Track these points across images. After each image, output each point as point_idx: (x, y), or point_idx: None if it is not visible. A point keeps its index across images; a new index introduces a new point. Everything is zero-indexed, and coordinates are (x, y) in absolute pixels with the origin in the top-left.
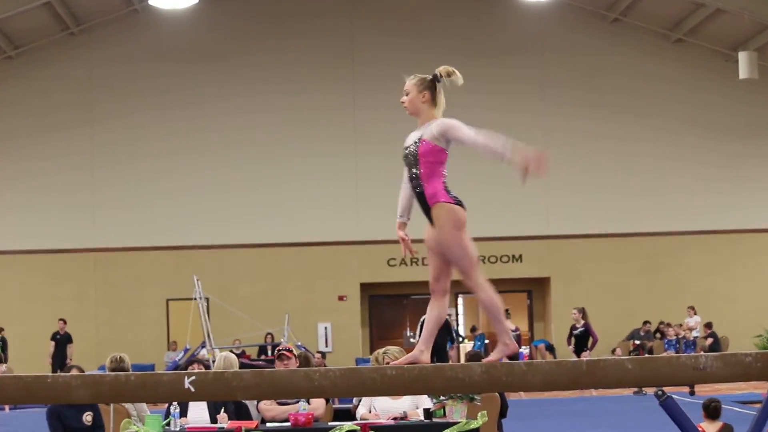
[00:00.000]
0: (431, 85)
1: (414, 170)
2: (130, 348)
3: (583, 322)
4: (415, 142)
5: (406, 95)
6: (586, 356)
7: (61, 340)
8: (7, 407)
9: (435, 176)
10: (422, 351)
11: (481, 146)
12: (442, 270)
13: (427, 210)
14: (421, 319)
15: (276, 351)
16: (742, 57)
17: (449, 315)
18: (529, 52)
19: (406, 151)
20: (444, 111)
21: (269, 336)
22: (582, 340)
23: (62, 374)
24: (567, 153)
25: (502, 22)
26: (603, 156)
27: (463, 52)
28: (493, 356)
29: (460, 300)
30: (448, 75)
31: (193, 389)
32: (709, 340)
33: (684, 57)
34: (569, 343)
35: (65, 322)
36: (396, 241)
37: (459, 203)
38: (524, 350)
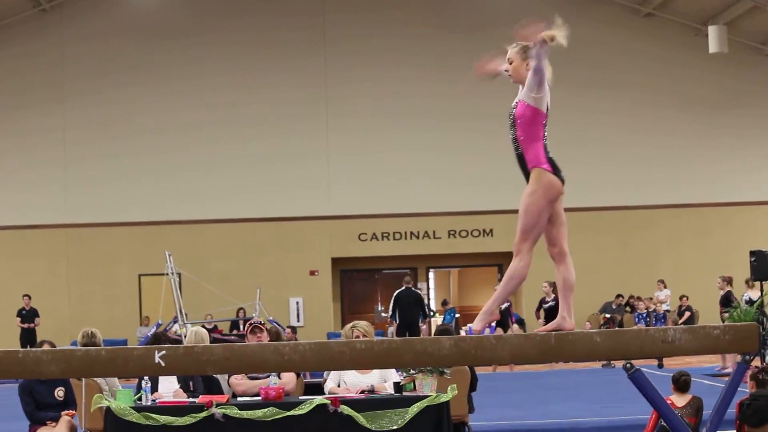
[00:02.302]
0: None
1: (512, 133)
2: (102, 323)
3: (554, 296)
4: (513, 105)
5: (510, 63)
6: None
7: (27, 316)
8: None
9: (534, 139)
10: (565, 318)
11: (536, 67)
12: (552, 234)
13: (526, 173)
14: (394, 294)
15: (248, 324)
16: (712, 31)
17: (419, 289)
18: (499, 26)
19: (509, 114)
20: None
21: (241, 311)
22: (553, 313)
23: (33, 349)
24: None
25: None
26: (574, 129)
27: (434, 27)
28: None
29: (431, 274)
30: (552, 39)
31: (163, 363)
32: (686, 314)
33: (654, 31)
34: (538, 316)
35: (30, 298)
36: (367, 216)
37: (557, 172)
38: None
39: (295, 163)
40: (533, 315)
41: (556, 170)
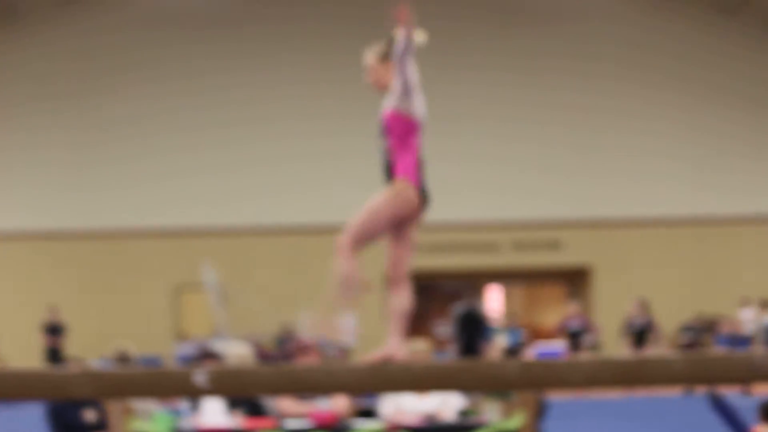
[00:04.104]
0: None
1: (383, 142)
2: (135, 339)
3: (642, 315)
4: (381, 112)
5: (368, 71)
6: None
7: (52, 330)
8: None
9: (407, 150)
10: (397, 347)
11: (403, 65)
12: (397, 255)
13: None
14: (455, 312)
15: (296, 344)
16: None
17: (480, 307)
18: (548, 26)
19: (378, 122)
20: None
21: (288, 327)
22: (642, 334)
23: (61, 368)
24: (608, 127)
25: None
26: (648, 131)
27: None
28: (376, 354)
29: (493, 290)
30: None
31: (204, 385)
32: None
33: (739, 29)
34: (628, 338)
35: (57, 311)
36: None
37: (422, 192)
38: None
39: (352, 163)
40: (610, 338)
41: (422, 190)
